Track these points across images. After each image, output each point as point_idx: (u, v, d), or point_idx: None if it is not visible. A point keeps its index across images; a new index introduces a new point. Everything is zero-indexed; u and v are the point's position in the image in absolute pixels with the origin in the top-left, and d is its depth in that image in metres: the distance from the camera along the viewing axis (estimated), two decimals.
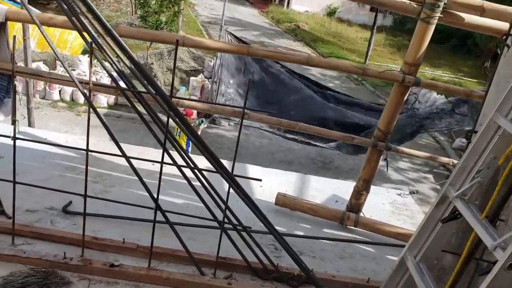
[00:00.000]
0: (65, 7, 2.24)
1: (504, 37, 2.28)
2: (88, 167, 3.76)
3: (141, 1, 19.17)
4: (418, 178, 13.61)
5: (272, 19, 33.45)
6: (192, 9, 31.44)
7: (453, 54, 27.03)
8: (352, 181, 4.21)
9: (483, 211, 2.11)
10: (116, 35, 2.20)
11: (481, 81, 24.28)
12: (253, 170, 4.35)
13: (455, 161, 3.28)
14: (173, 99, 2.43)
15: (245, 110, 2.31)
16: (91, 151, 2.40)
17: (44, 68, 12.68)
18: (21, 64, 6.84)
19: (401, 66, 3.18)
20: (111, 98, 13.22)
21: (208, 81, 15.05)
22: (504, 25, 3.00)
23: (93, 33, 2.29)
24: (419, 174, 13.45)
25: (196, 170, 2.48)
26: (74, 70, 13.33)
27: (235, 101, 8.07)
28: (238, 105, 7.53)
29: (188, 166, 2.47)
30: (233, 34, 11.89)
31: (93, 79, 13.69)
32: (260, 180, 2.49)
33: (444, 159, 3.81)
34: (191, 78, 15.31)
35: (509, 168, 1.85)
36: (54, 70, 13.03)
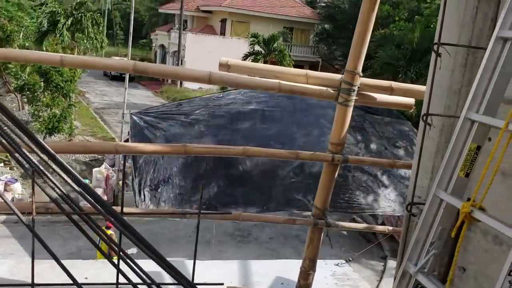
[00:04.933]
0: None
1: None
2: None
3: (29, 96, 18.49)
4: None
5: (167, 98, 33.82)
6: (83, 97, 30.77)
7: None
8: (290, 259, 4.23)
9: (441, 279, 2.26)
10: (59, 159, 2.08)
11: None
12: (189, 265, 4.19)
13: (390, 228, 3.49)
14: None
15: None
16: (37, 284, 2.18)
17: None
18: None
19: (328, 146, 3.37)
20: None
21: (113, 170, 14.54)
22: (411, 100, 3.37)
23: (28, 154, 2.15)
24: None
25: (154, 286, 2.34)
26: None
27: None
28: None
29: (145, 283, 2.34)
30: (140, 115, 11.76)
31: None
32: (222, 284, 2.42)
33: (380, 228, 4.03)
34: (94, 169, 14.66)
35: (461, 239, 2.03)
36: None
